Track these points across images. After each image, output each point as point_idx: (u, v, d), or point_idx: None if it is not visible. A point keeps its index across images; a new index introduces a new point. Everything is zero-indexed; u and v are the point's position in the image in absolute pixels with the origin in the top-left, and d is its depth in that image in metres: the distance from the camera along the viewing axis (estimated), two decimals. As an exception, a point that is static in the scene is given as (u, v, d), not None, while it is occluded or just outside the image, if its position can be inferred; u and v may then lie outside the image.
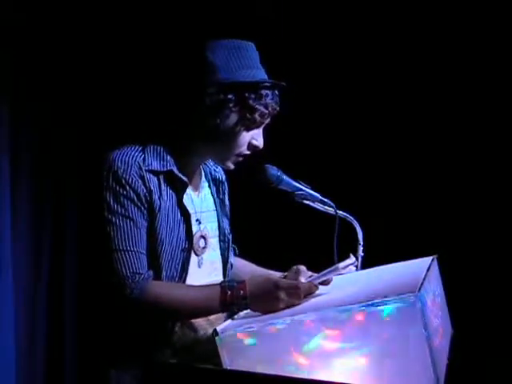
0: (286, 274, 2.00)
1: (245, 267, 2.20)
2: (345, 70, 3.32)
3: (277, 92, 1.92)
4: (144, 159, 1.88)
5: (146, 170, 1.86)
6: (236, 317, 1.78)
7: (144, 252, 1.84)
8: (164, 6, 3.38)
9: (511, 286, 3.03)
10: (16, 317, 3.08)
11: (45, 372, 3.26)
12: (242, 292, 1.76)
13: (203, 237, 1.98)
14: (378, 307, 1.51)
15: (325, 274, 1.81)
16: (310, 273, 1.98)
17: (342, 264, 1.81)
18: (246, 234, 2.23)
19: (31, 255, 3.22)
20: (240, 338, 1.60)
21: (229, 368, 1.59)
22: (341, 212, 2.09)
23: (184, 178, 1.92)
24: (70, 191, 3.36)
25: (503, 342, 2.99)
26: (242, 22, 3.14)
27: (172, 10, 3.37)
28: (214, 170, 2.12)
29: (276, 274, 2.05)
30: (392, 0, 3.21)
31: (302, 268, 1.99)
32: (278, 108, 1.93)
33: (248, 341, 1.60)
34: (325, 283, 1.81)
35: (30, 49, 3.16)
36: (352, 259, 1.90)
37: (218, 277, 2.04)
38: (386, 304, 1.51)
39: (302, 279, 1.89)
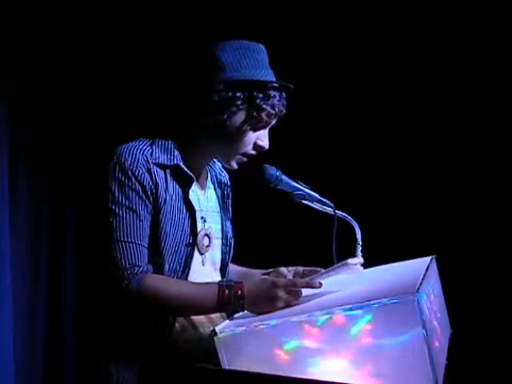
0: (268, 271, 2.05)
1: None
2: (343, 69, 3.32)
3: (284, 94, 1.93)
4: (152, 153, 1.89)
5: (153, 163, 1.87)
6: (235, 316, 1.78)
7: (145, 245, 1.84)
8: (168, 3, 3.39)
9: (510, 285, 3.03)
10: (15, 316, 3.08)
11: (44, 372, 3.27)
12: (239, 292, 1.76)
13: (207, 235, 1.99)
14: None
15: (334, 269, 1.81)
16: (291, 272, 2.02)
17: (351, 260, 1.81)
18: (244, 234, 2.23)
19: (30, 255, 3.22)
20: (239, 338, 1.60)
21: (228, 368, 1.60)
22: (339, 212, 2.09)
23: (190, 173, 1.92)
24: (68, 191, 3.37)
25: (502, 341, 2.99)
26: (241, 21, 3.15)
27: (176, 7, 3.38)
28: (220, 174, 2.13)
29: (257, 272, 2.10)
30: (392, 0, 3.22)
31: (282, 269, 2.04)
32: (284, 110, 1.94)
33: (247, 340, 1.60)
34: (314, 286, 1.79)
35: (30, 49, 3.16)
36: (360, 259, 1.91)
37: (218, 278, 2.04)
38: (383, 304, 1.51)
39: (290, 276, 1.90)
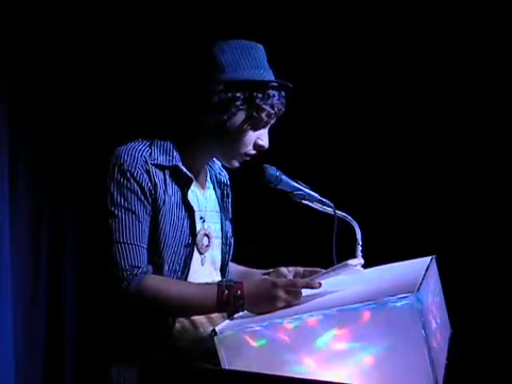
0: (268, 271, 2.06)
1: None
2: (343, 69, 3.32)
3: (283, 93, 1.94)
4: (150, 154, 1.89)
5: (151, 164, 1.88)
6: (235, 316, 1.78)
7: (145, 246, 1.85)
8: (167, 3, 3.39)
9: (510, 285, 3.03)
10: (15, 316, 3.08)
11: (44, 372, 3.27)
12: (239, 292, 1.76)
13: (207, 235, 1.99)
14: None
15: (334, 270, 1.81)
16: (291, 272, 2.03)
17: (351, 261, 1.81)
18: (244, 233, 2.23)
19: (30, 255, 3.22)
20: (239, 338, 1.60)
21: (228, 368, 1.60)
22: (339, 212, 2.09)
23: (189, 174, 1.93)
24: (68, 191, 3.37)
25: (502, 341, 2.99)
26: (241, 21, 3.15)
27: (176, 7, 3.38)
28: (219, 174, 2.13)
29: (258, 272, 2.11)
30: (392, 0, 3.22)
31: (283, 270, 2.05)
32: (283, 109, 1.95)
33: (247, 340, 1.60)
34: (314, 286, 1.80)
35: (30, 49, 3.16)
36: (360, 260, 1.91)
37: (218, 277, 2.05)
38: (383, 304, 1.51)
39: (290, 276, 1.91)
